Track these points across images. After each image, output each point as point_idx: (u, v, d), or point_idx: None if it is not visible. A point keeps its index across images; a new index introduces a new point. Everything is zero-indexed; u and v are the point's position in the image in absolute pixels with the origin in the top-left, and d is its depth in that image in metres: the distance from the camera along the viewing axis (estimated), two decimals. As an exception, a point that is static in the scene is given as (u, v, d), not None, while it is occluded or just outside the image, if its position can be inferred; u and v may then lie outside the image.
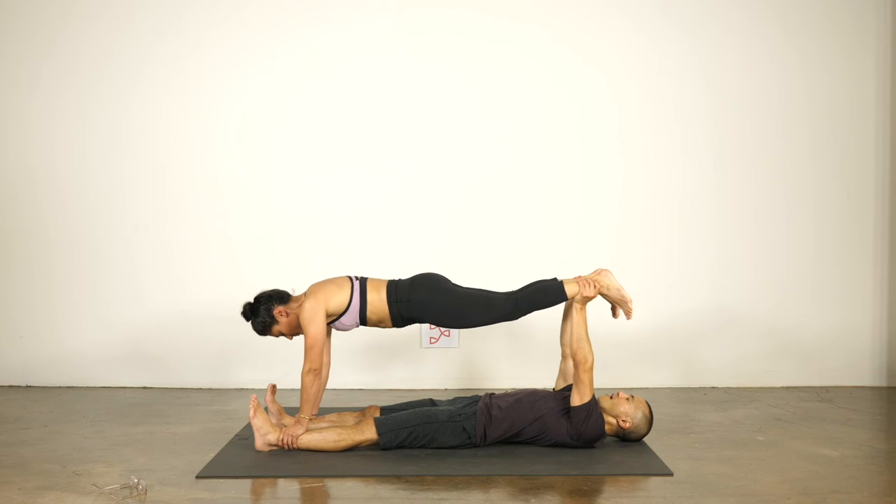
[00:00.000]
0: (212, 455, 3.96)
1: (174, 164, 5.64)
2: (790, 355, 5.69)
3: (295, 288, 4.33)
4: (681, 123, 5.67)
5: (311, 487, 3.54)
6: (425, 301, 4.18)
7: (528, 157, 5.67)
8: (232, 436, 4.32)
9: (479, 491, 3.48)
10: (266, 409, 4.26)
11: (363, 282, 4.23)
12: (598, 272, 4.22)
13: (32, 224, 5.66)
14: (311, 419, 4.09)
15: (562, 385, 4.27)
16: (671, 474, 3.68)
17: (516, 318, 4.25)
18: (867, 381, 5.71)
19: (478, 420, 4.02)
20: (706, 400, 5.28)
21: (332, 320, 4.20)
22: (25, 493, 3.44)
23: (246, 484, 3.59)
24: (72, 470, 3.75)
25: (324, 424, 4.15)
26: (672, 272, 5.67)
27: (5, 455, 3.99)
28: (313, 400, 4.11)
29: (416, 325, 4.63)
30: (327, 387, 4.68)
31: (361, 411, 4.29)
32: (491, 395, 4.15)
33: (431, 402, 4.27)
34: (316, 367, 4.08)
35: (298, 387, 4.62)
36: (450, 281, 4.31)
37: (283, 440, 3.98)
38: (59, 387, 5.62)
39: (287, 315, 4.18)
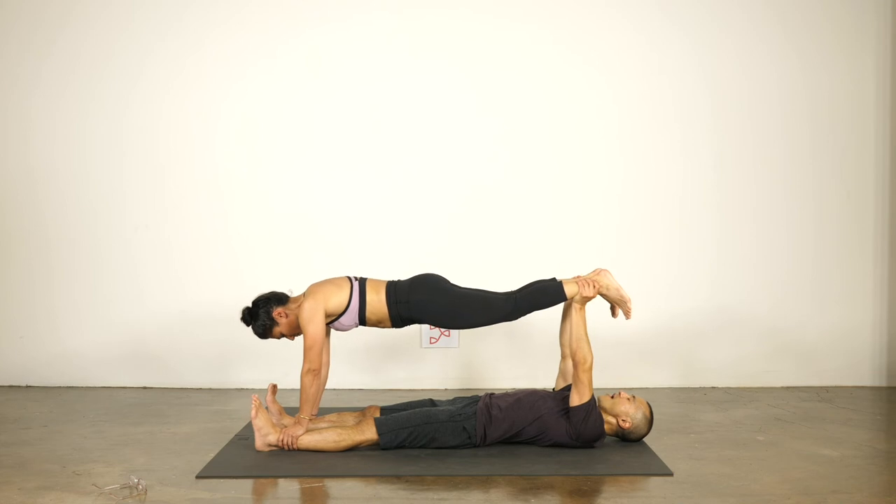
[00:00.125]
0: (212, 455, 3.96)
1: (174, 164, 5.64)
2: (790, 355, 5.69)
3: (292, 289, 4.33)
4: (681, 123, 5.67)
5: (311, 487, 3.54)
6: (424, 302, 4.18)
7: (528, 157, 5.67)
8: (232, 436, 4.33)
9: (479, 491, 3.48)
10: (266, 408, 4.25)
11: (362, 282, 4.23)
12: (598, 272, 4.22)
13: (32, 224, 5.66)
14: (310, 419, 4.09)
15: (561, 385, 4.27)
16: (671, 474, 3.68)
17: (515, 318, 4.25)
18: (867, 381, 5.71)
19: (478, 420, 4.02)
20: (706, 400, 5.28)
21: (332, 320, 4.20)
22: (25, 493, 3.44)
23: (246, 484, 3.59)
24: (72, 470, 3.75)
25: (324, 424, 4.15)
26: (672, 272, 5.67)
27: (5, 455, 3.99)
28: (313, 400, 4.11)
29: (416, 326, 4.63)
30: (327, 387, 4.68)
31: (361, 411, 4.29)
32: (491, 395, 4.15)
33: (431, 403, 4.27)
34: (315, 368, 4.08)
35: (298, 387, 4.62)
36: (449, 281, 4.31)
37: (283, 441, 3.98)
38: (59, 387, 5.62)
39: (286, 316, 4.18)
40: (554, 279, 4.25)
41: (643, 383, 5.61)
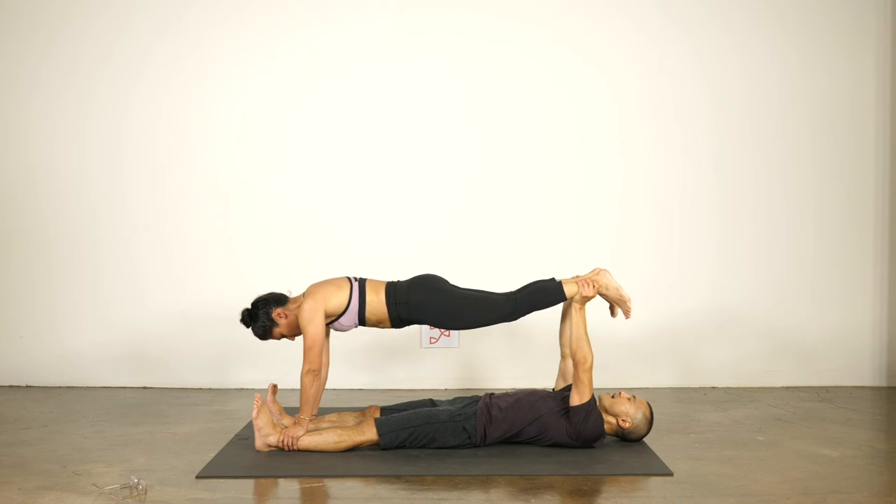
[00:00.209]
0: (212, 455, 3.96)
1: (174, 164, 5.64)
2: (790, 355, 5.69)
3: (291, 290, 4.33)
4: (681, 123, 5.67)
5: (311, 487, 3.54)
6: (424, 302, 4.18)
7: (528, 157, 5.67)
8: (232, 436, 4.33)
9: (479, 491, 3.48)
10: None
11: (362, 283, 4.23)
12: (597, 272, 4.23)
13: (32, 224, 5.66)
14: (310, 420, 4.09)
15: (561, 385, 4.27)
16: (671, 474, 3.68)
17: (515, 318, 4.25)
18: (867, 381, 5.71)
19: (478, 420, 4.02)
20: (706, 400, 5.28)
21: (331, 321, 4.20)
22: (25, 493, 3.44)
23: (246, 484, 3.59)
24: (72, 470, 3.75)
25: (324, 425, 4.15)
26: (672, 272, 5.67)
27: (5, 455, 3.99)
28: (313, 400, 4.11)
29: (415, 326, 4.62)
30: (327, 387, 4.69)
31: (361, 411, 4.29)
32: (491, 396, 4.15)
33: (431, 403, 4.27)
34: (315, 368, 4.08)
35: (298, 387, 4.62)
36: (448, 282, 4.31)
37: (283, 441, 3.98)
38: (59, 387, 5.62)
39: (286, 317, 4.18)
40: (553, 279, 4.25)
41: (643, 383, 5.61)
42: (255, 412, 3.99)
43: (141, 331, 5.63)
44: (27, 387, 5.64)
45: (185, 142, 5.65)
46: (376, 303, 4.19)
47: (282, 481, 3.63)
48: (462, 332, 5.55)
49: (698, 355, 5.68)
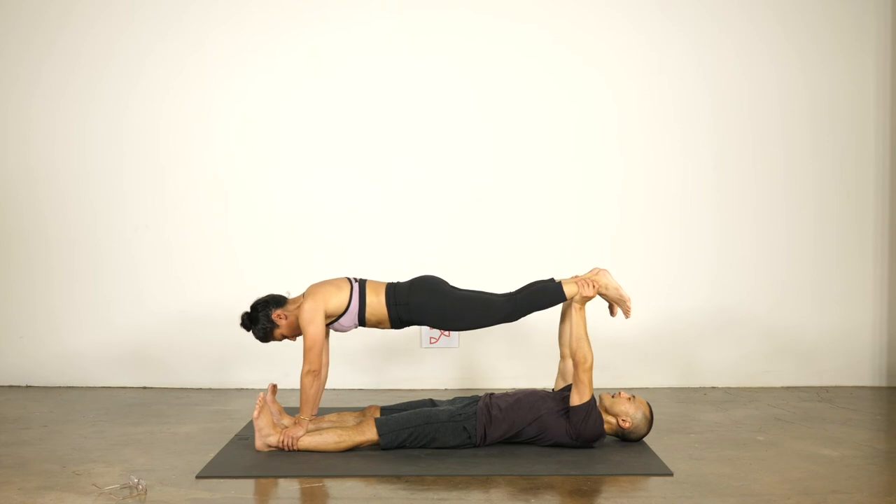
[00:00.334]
0: (212, 455, 3.96)
1: (174, 164, 5.64)
2: (790, 355, 5.69)
3: (290, 291, 4.33)
4: (681, 123, 5.67)
5: (311, 487, 3.54)
6: (424, 304, 4.18)
7: (528, 157, 5.67)
8: (232, 436, 4.33)
9: (479, 491, 3.48)
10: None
11: (362, 284, 4.23)
12: (596, 272, 4.23)
13: (32, 224, 5.66)
14: (310, 420, 4.09)
15: (561, 385, 4.27)
16: (671, 474, 3.68)
17: (515, 319, 4.25)
18: (867, 381, 5.71)
19: (478, 420, 4.02)
20: (706, 400, 5.28)
21: (331, 321, 4.20)
22: (25, 493, 3.44)
23: (246, 484, 3.59)
24: (72, 470, 3.75)
25: (325, 425, 4.15)
26: (672, 272, 5.67)
27: (5, 455, 3.99)
28: (313, 401, 4.11)
29: (415, 326, 4.62)
30: (327, 387, 4.68)
31: (361, 411, 4.29)
32: (491, 396, 4.15)
33: (431, 403, 4.27)
34: (315, 369, 4.08)
35: (298, 387, 4.62)
36: (448, 283, 4.31)
37: (283, 442, 3.98)
38: (59, 387, 5.62)
39: (286, 318, 4.18)
40: (553, 279, 4.25)
41: (643, 383, 5.61)
42: (256, 412, 3.99)
43: (141, 331, 5.63)
44: (27, 387, 5.64)
45: (185, 142, 5.65)
46: (376, 304, 4.19)
47: (282, 481, 3.63)
48: (462, 332, 5.54)
49: (698, 355, 5.68)
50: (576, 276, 4.27)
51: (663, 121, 5.67)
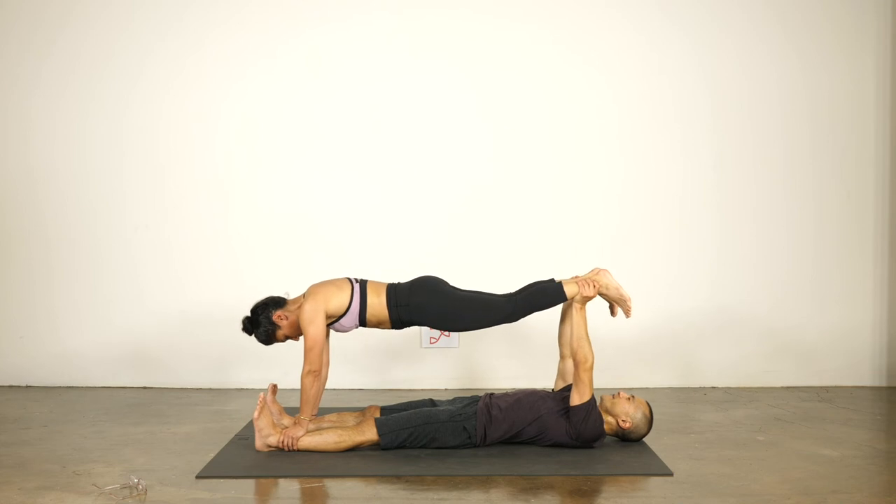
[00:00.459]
0: (212, 455, 3.96)
1: (174, 164, 5.64)
2: (790, 355, 5.69)
3: (289, 292, 4.33)
4: (681, 123, 5.67)
5: (311, 487, 3.54)
6: (424, 304, 4.18)
7: (528, 157, 5.67)
8: (232, 436, 4.33)
9: (479, 491, 3.48)
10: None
11: (363, 284, 4.23)
12: (597, 272, 4.23)
13: (32, 224, 5.66)
14: (310, 420, 4.09)
15: (560, 385, 4.27)
16: (671, 474, 3.68)
17: (515, 319, 4.25)
18: (867, 381, 5.71)
19: (478, 420, 4.02)
20: (706, 400, 5.28)
21: (332, 322, 4.20)
22: (25, 493, 3.44)
23: (246, 484, 3.59)
24: (72, 470, 3.75)
25: (325, 425, 4.15)
26: (672, 272, 5.67)
27: (5, 455, 3.99)
28: (313, 401, 4.11)
29: (416, 326, 4.63)
30: (327, 387, 4.68)
31: (361, 411, 4.29)
32: (491, 396, 4.15)
33: (431, 403, 4.27)
34: (315, 369, 4.08)
35: (298, 387, 4.62)
36: (448, 284, 4.31)
37: (283, 442, 3.98)
38: (59, 387, 5.62)
39: (287, 318, 4.18)
40: (553, 280, 4.25)
41: (643, 383, 5.61)
42: (256, 412, 3.99)
43: (141, 331, 5.63)
44: (27, 387, 5.64)
45: (185, 142, 5.65)
46: (377, 304, 4.19)
47: (282, 481, 3.63)
48: (462, 332, 5.54)
49: (698, 355, 5.68)
50: (576, 276, 4.27)
51: (663, 121, 5.67)
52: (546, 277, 4.36)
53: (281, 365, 5.38)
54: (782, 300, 5.70)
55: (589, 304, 4.20)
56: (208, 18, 5.63)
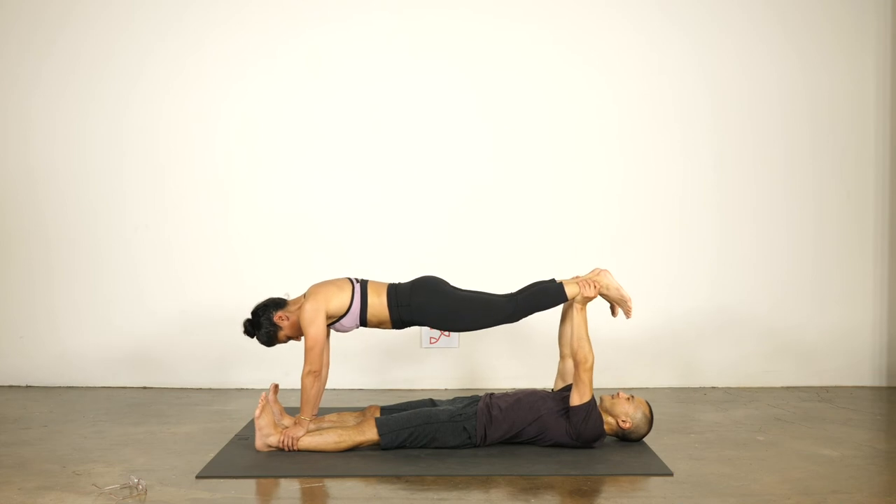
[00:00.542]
0: (212, 455, 3.96)
1: (174, 164, 5.64)
2: (790, 355, 5.69)
3: (289, 293, 4.33)
4: (681, 123, 5.67)
5: (311, 487, 3.54)
6: (425, 304, 4.18)
7: (528, 157, 5.67)
8: (232, 436, 4.33)
9: (479, 491, 3.48)
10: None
11: (364, 284, 4.23)
12: (597, 272, 4.23)
13: (32, 224, 5.66)
14: (311, 420, 4.09)
15: (560, 385, 4.27)
16: (671, 474, 3.68)
17: (516, 320, 4.25)
18: (867, 381, 5.71)
19: (478, 420, 4.02)
20: (706, 400, 5.28)
21: (333, 322, 4.20)
22: (25, 493, 3.44)
23: (246, 484, 3.59)
24: (72, 470, 3.75)
25: (325, 425, 4.15)
26: (672, 272, 5.67)
27: (5, 455, 3.99)
28: (313, 401, 4.10)
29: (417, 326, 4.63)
30: (327, 387, 4.68)
31: (362, 411, 4.29)
32: (491, 396, 4.15)
33: (431, 403, 4.27)
34: (316, 369, 4.08)
35: (298, 387, 4.62)
36: (449, 284, 4.31)
37: (283, 442, 3.98)
38: (59, 387, 5.62)
39: (288, 319, 4.18)
40: (553, 280, 4.25)
41: (643, 383, 5.61)
42: (258, 411, 3.99)
43: (141, 331, 5.63)
44: (27, 387, 5.64)
45: (185, 142, 5.65)
46: (378, 305, 4.19)
47: (282, 481, 3.63)
48: (463, 332, 5.55)
49: (698, 355, 5.68)
50: (577, 277, 4.27)
51: (663, 121, 5.67)
52: (546, 277, 4.36)
53: (281, 365, 5.39)
54: (782, 300, 5.70)
55: (589, 304, 4.20)
56: (208, 18, 5.63)
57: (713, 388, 5.63)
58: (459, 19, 5.64)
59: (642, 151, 5.68)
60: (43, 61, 5.63)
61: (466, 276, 4.83)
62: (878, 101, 5.69)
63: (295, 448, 3.98)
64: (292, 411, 4.49)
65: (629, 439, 4.13)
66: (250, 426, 4.42)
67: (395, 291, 4.21)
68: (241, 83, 5.64)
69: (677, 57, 5.66)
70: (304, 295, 4.22)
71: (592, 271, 4.25)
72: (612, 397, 4.12)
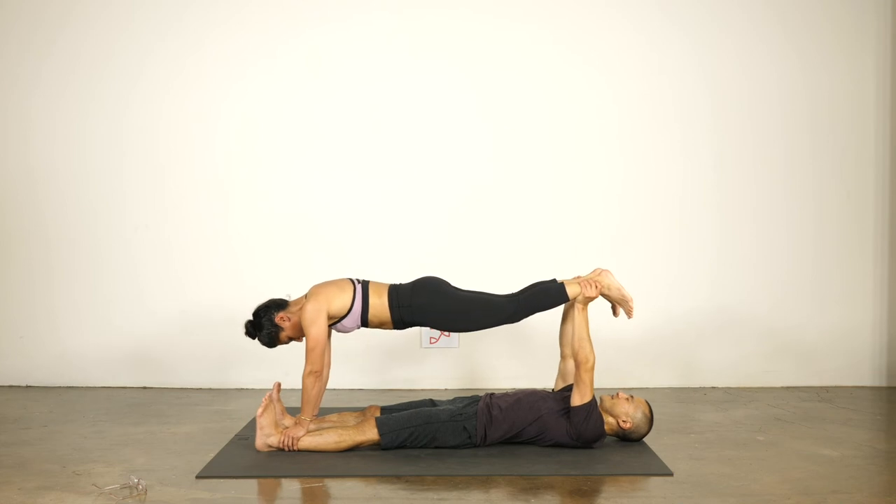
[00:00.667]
0: (212, 455, 3.96)
1: (174, 164, 5.64)
2: (790, 355, 5.69)
3: (290, 294, 4.33)
4: (681, 123, 5.67)
5: (311, 487, 3.54)
6: (426, 305, 4.18)
7: (528, 157, 5.67)
8: (232, 436, 4.33)
9: (479, 491, 3.48)
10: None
11: (365, 285, 4.23)
12: (599, 272, 4.22)
13: (32, 224, 5.66)
14: (311, 420, 4.09)
15: (561, 386, 4.27)
16: (671, 474, 3.68)
17: (517, 320, 4.25)
18: (867, 381, 5.71)
19: (478, 420, 4.02)
20: (706, 400, 5.28)
21: (334, 322, 4.20)
22: (25, 493, 3.44)
23: (246, 484, 3.59)
24: (72, 470, 3.75)
25: (326, 425, 4.15)
26: (672, 272, 5.67)
27: (5, 455, 3.99)
28: (314, 402, 4.11)
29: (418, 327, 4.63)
30: (327, 387, 4.68)
31: (362, 411, 4.29)
32: (491, 396, 4.15)
33: (431, 403, 4.27)
34: (317, 370, 4.08)
35: (299, 387, 4.61)
36: (450, 285, 4.31)
37: (283, 442, 3.98)
38: (59, 387, 5.62)
39: (289, 319, 4.18)
40: (555, 280, 4.25)
41: (643, 383, 5.61)
42: (260, 409, 3.99)
43: (141, 331, 5.63)
44: (27, 387, 5.64)
45: (185, 142, 5.65)
46: (379, 305, 4.19)
47: (282, 481, 3.63)
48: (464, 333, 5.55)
49: (698, 355, 5.68)
50: (578, 277, 4.27)
51: (663, 121, 5.67)
52: (547, 277, 4.36)
53: (282, 365, 5.38)
54: (782, 300, 5.70)
55: (591, 304, 4.20)
56: (208, 18, 5.63)
57: (713, 388, 5.64)
58: (459, 19, 5.64)
59: (642, 151, 5.68)
60: (43, 61, 5.63)
61: (467, 276, 4.83)
62: (878, 101, 5.69)
63: (295, 448, 3.98)
64: (293, 411, 4.49)
65: (629, 439, 4.13)
66: (250, 426, 4.42)
67: (396, 292, 4.21)
68: (241, 83, 5.64)
69: (677, 57, 5.66)
70: (306, 296, 4.21)
71: (594, 271, 4.25)
72: (612, 397, 4.12)
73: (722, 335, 5.68)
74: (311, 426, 4.08)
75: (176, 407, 5.06)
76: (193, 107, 5.64)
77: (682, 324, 5.67)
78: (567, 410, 4.02)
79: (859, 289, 5.72)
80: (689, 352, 5.68)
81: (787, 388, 5.63)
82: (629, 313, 4.27)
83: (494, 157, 5.67)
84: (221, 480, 3.60)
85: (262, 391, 5.41)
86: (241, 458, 3.93)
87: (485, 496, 3.42)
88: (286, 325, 4.18)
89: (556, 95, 5.66)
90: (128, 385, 5.63)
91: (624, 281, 4.44)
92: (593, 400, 4.01)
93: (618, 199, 5.69)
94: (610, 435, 4.12)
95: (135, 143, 5.64)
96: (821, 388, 5.62)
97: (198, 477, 3.64)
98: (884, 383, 5.71)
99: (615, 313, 4.32)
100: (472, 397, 4.21)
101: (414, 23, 5.65)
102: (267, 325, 4.17)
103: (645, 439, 4.17)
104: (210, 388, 5.60)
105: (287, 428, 4.04)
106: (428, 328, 5.55)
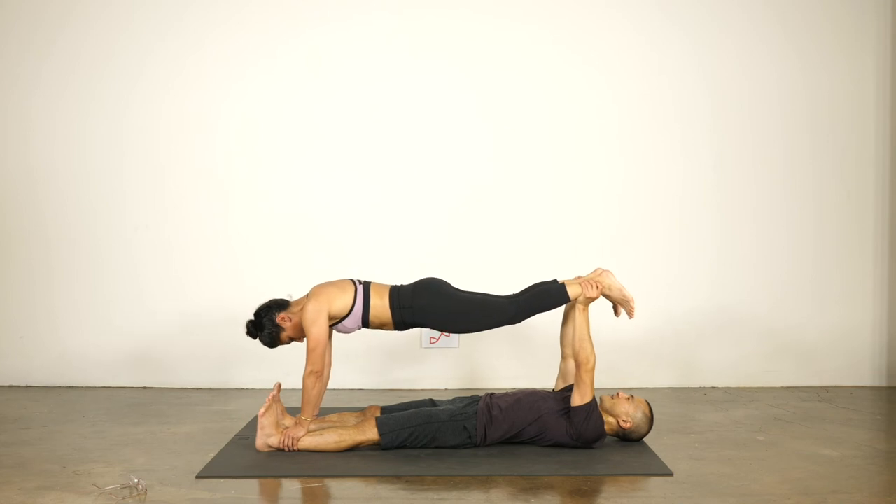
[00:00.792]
0: (212, 455, 3.96)
1: (174, 164, 5.64)
2: (790, 355, 5.69)
3: (292, 294, 4.33)
4: (681, 123, 5.67)
5: (311, 487, 3.54)
6: (427, 307, 4.17)
7: (528, 157, 5.67)
8: (232, 436, 4.33)
9: (479, 491, 3.48)
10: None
11: (366, 286, 4.22)
12: (599, 272, 4.22)
13: (32, 224, 5.66)
14: (311, 420, 4.09)
15: (561, 386, 4.27)
16: (671, 474, 3.68)
17: (519, 321, 4.24)
18: (867, 381, 5.71)
19: (478, 420, 4.02)
20: (706, 400, 5.28)
21: (335, 323, 4.19)
22: (25, 493, 3.44)
23: (246, 484, 3.59)
24: (72, 470, 3.75)
25: (326, 425, 4.15)
26: (672, 272, 5.67)
27: (5, 455, 3.99)
28: (315, 402, 4.11)
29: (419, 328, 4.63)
30: (328, 387, 4.68)
31: (362, 411, 4.29)
32: (491, 395, 4.15)
33: (432, 403, 4.27)
34: (318, 370, 4.08)
35: (299, 387, 4.61)
36: (451, 286, 4.30)
37: (283, 442, 3.98)
38: (59, 387, 5.62)
39: (290, 320, 4.18)
40: (555, 281, 4.24)
41: (643, 383, 5.61)
42: (263, 409, 3.99)
43: (141, 331, 5.63)
44: (27, 387, 5.64)
45: (185, 142, 5.65)
46: (380, 307, 4.19)
47: (282, 481, 3.63)
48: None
49: (698, 355, 5.68)
50: (579, 277, 4.27)
51: (663, 121, 5.68)
52: (547, 278, 4.36)
53: (282, 365, 5.38)
54: (782, 300, 5.70)
55: (591, 304, 4.20)
56: (208, 18, 5.63)
57: (713, 388, 5.64)
58: (459, 19, 5.64)
59: (642, 151, 5.68)
60: (43, 61, 5.63)
61: (467, 277, 4.83)
62: (878, 101, 5.69)
63: (295, 448, 3.98)
64: (293, 411, 4.49)
65: (629, 439, 4.13)
66: (250, 426, 4.42)
67: (397, 293, 4.21)
68: (241, 83, 5.64)
69: (677, 57, 5.66)
70: (307, 296, 4.21)
71: (594, 271, 4.25)
72: (612, 397, 4.12)
73: (722, 335, 5.68)
74: (312, 426, 4.08)
75: (176, 407, 5.06)
76: (193, 107, 5.64)
77: (682, 324, 5.67)
78: (567, 410, 4.03)
79: (859, 289, 5.72)
80: (690, 352, 5.68)
81: (787, 388, 5.63)
82: (630, 313, 4.27)
83: (494, 157, 5.68)
84: (221, 480, 3.60)
85: (263, 391, 5.41)
86: (241, 458, 3.93)
87: (485, 496, 3.42)
88: (287, 325, 4.18)
89: (556, 95, 5.66)
90: (128, 385, 5.63)
91: (624, 281, 4.44)
92: (593, 400, 4.01)
93: (618, 199, 5.69)
94: (610, 435, 4.12)
95: (135, 143, 5.64)
96: (821, 388, 5.62)
97: (198, 477, 3.64)
98: (884, 383, 5.71)
99: (616, 313, 4.32)
100: (472, 397, 4.21)
101: (414, 23, 5.65)
102: (268, 325, 4.18)
103: (645, 439, 4.17)
104: (210, 388, 5.60)
105: (287, 428, 4.04)
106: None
